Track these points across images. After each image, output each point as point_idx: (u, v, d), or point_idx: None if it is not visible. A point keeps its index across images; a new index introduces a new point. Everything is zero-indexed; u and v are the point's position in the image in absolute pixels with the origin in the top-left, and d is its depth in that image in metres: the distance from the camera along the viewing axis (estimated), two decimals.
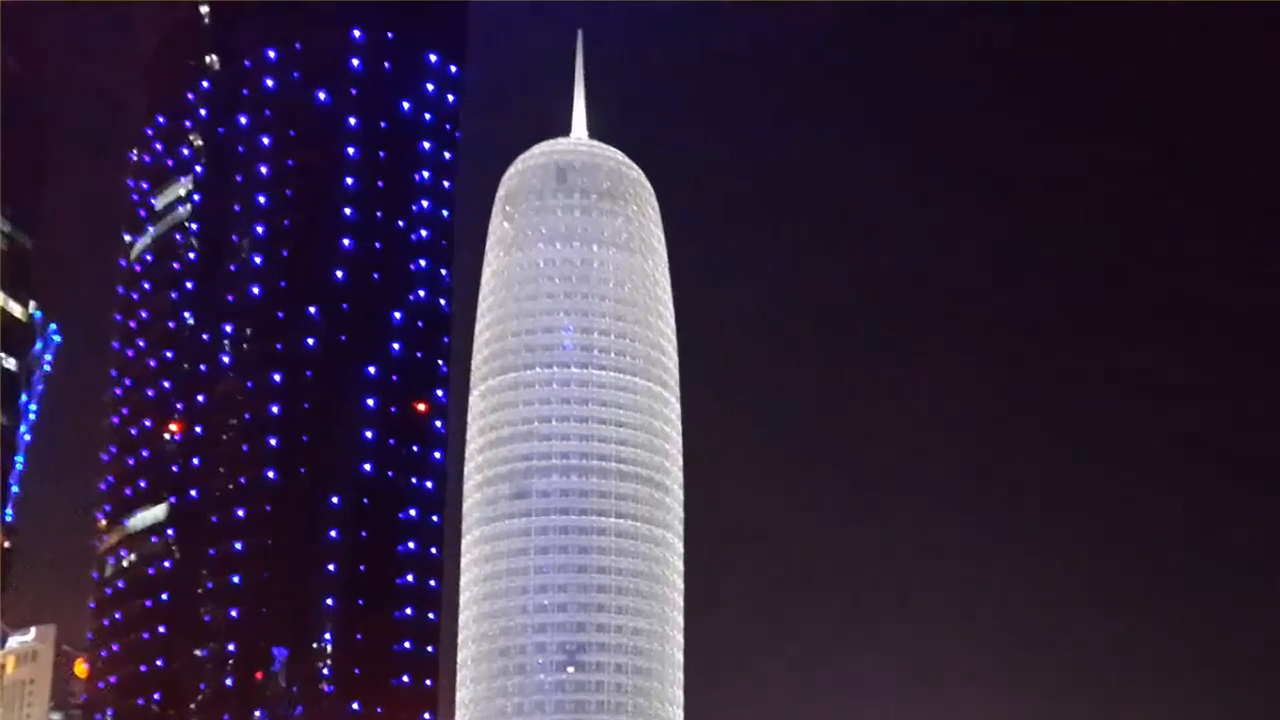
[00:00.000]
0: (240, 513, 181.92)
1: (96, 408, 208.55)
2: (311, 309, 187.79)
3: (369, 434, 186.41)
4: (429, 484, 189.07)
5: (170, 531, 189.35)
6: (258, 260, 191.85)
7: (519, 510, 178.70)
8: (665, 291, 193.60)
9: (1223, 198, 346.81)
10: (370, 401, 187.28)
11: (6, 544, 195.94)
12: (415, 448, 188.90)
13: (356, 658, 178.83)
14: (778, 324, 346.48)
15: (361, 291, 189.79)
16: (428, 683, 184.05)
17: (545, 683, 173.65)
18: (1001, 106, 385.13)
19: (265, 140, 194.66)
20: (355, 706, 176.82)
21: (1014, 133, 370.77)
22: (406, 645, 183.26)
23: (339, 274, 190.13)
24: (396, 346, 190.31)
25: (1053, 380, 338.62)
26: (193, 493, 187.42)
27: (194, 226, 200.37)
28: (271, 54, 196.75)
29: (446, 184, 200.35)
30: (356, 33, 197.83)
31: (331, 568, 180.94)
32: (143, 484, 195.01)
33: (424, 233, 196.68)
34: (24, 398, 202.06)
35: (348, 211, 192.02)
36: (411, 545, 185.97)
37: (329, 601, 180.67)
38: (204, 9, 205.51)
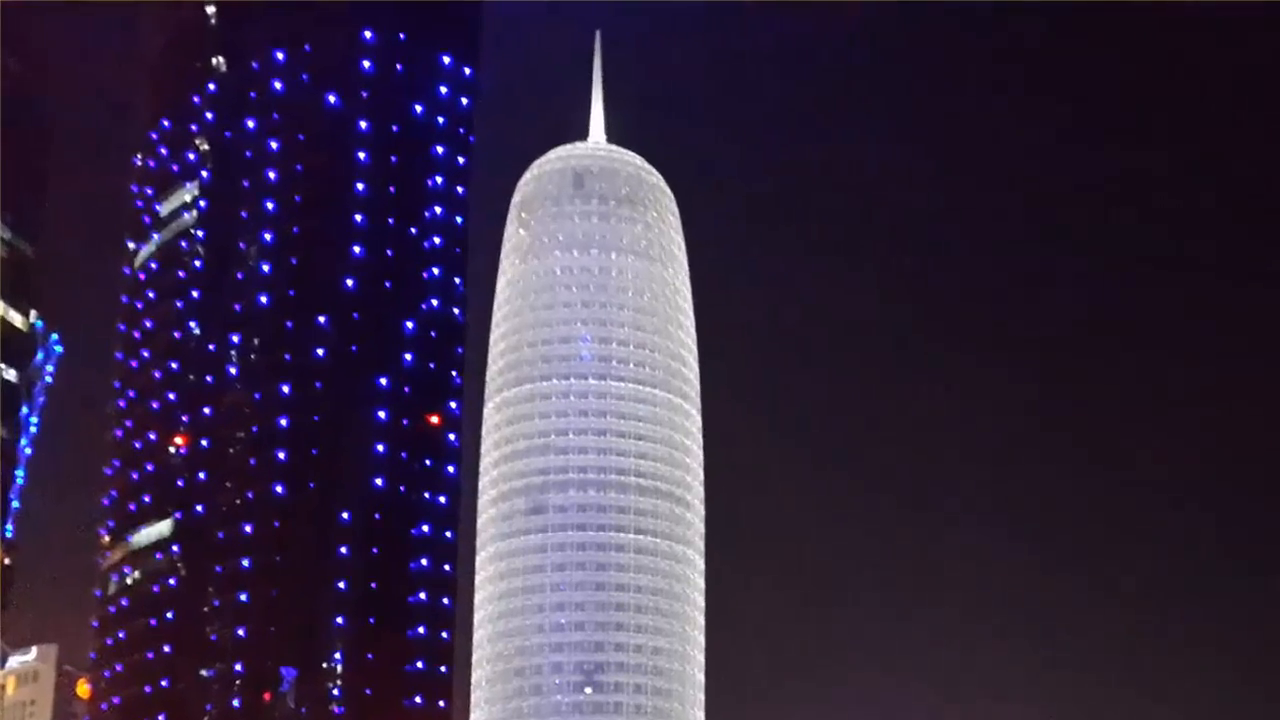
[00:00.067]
0: (248, 528, 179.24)
1: (99, 420, 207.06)
2: (321, 318, 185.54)
3: (380, 447, 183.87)
4: (442, 499, 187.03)
5: (175, 548, 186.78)
6: (265, 268, 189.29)
7: (535, 526, 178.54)
8: (686, 300, 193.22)
9: (1272, 199, 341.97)
10: (382, 414, 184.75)
11: (7, 561, 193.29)
12: (428, 461, 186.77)
13: (367, 678, 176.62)
14: (800, 333, 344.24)
15: (373, 300, 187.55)
16: (441, 704, 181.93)
17: (562, 704, 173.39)
18: (1030, 108, 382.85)
19: (273, 144, 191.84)
20: None
21: (1042, 135, 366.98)
22: (419, 665, 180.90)
23: (349, 282, 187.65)
24: (409, 357, 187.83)
25: (1084, 389, 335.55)
26: (199, 508, 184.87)
27: (200, 233, 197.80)
28: (280, 56, 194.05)
29: (460, 190, 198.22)
30: (367, 34, 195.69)
31: (342, 585, 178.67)
32: (147, 499, 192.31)
33: (437, 240, 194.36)
34: (25, 410, 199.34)
35: (358, 218, 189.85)
36: (424, 562, 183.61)
37: (339, 620, 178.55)
38: (210, 9, 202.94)
